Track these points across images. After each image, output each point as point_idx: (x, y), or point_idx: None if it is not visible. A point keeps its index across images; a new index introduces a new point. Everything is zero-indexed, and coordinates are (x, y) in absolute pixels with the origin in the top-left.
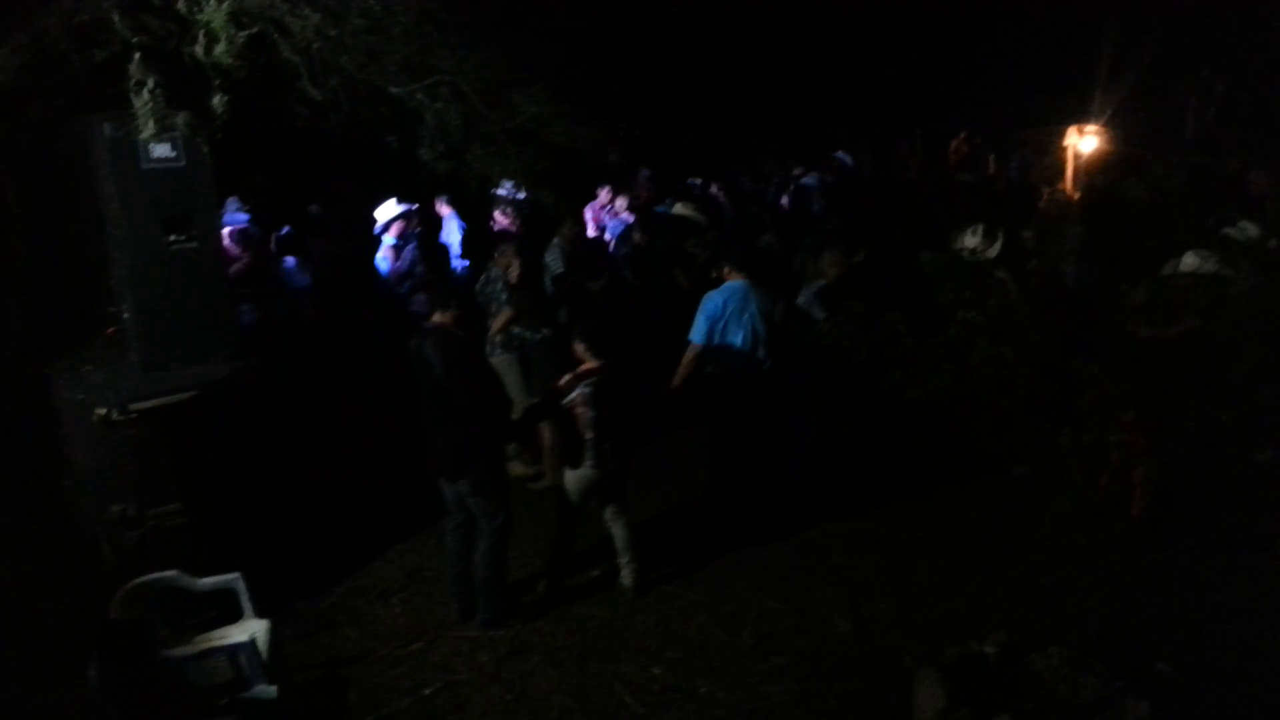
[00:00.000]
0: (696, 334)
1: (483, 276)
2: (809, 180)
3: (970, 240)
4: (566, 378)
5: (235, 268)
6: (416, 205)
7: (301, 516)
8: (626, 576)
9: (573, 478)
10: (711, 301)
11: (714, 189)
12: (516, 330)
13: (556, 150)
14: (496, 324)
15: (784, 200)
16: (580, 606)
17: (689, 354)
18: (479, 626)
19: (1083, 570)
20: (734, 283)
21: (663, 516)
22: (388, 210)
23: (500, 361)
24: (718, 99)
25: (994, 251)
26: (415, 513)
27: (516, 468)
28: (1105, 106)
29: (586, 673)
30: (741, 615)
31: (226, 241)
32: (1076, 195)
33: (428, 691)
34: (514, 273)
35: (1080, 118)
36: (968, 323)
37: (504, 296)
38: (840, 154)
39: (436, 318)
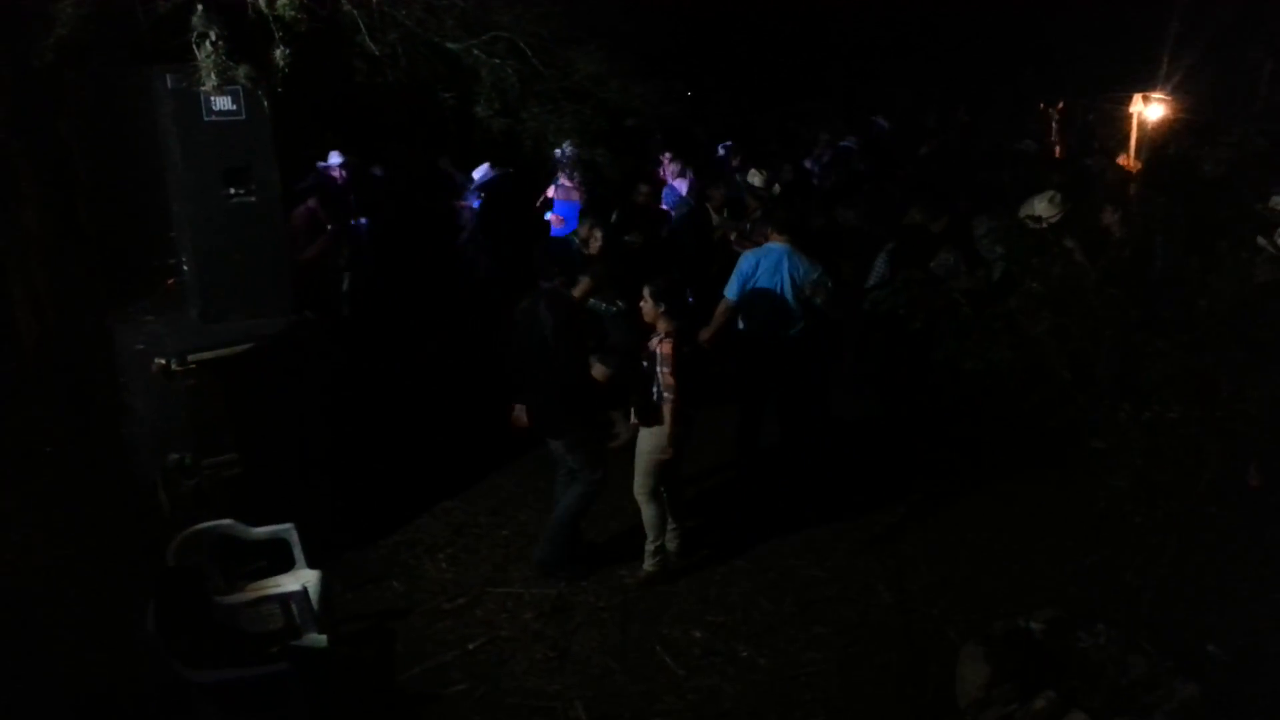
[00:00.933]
0: (730, 290)
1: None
2: (847, 143)
3: (1040, 207)
4: (656, 340)
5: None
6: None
7: (352, 470)
8: (672, 541)
9: (659, 434)
10: (746, 261)
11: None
12: (592, 302)
13: (612, 109)
14: (576, 292)
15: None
16: (623, 569)
17: (720, 308)
18: (535, 564)
19: (1137, 549)
20: (773, 244)
21: (707, 481)
22: (481, 172)
23: None
24: (775, 58)
25: (1055, 218)
26: (463, 469)
27: None
28: (1173, 73)
29: (628, 634)
30: (784, 583)
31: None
32: (1138, 165)
33: (472, 646)
34: (595, 244)
35: (1147, 84)
36: (1029, 293)
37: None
38: (877, 118)
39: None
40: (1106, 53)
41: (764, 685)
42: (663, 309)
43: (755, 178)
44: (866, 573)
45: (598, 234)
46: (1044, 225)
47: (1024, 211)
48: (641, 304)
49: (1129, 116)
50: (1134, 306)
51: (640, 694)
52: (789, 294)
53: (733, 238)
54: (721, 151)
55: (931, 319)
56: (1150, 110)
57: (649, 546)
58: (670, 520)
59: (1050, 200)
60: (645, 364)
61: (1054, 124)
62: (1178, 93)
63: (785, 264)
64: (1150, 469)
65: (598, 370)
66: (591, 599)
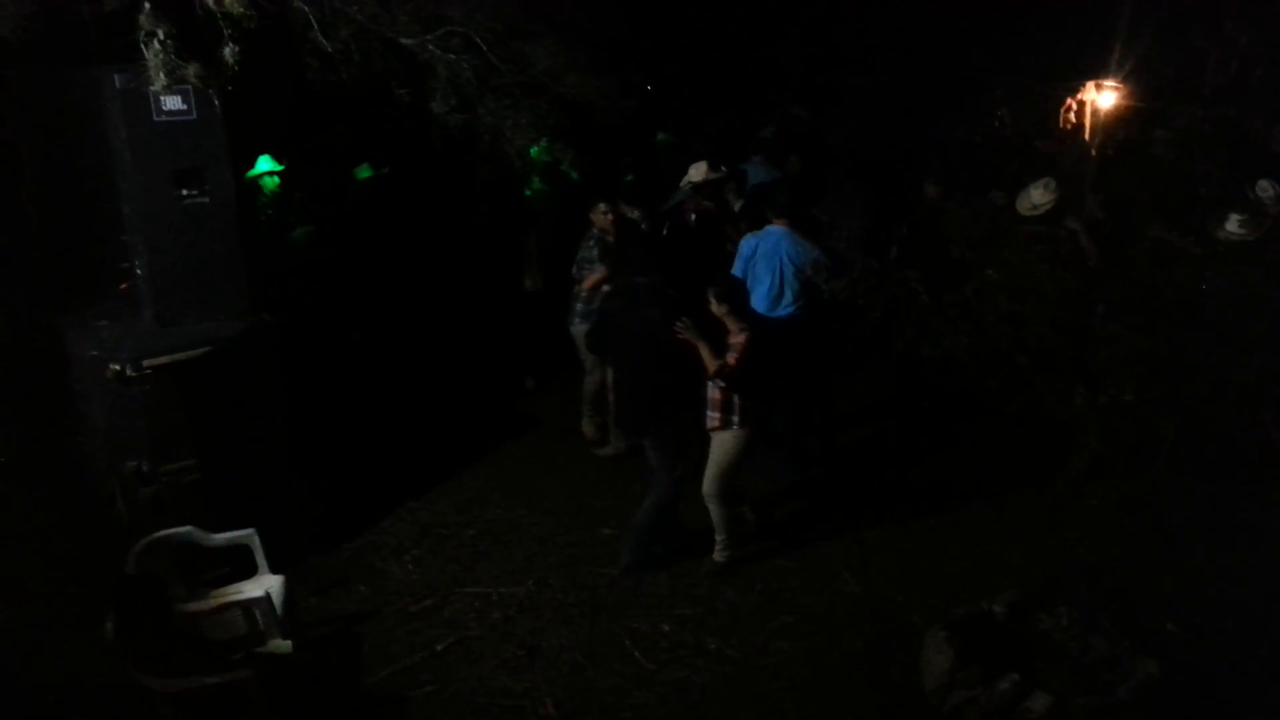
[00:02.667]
0: (734, 272)
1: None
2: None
3: (1035, 195)
4: (736, 340)
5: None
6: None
7: (314, 473)
8: (719, 553)
9: (733, 439)
10: (746, 243)
11: None
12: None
13: (569, 103)
14: (587, 283)
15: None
16: (591, 565)
17: None
18: (623, 569)
19: (1094, 530)
20: (772, 227)
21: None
22: None
23: (580, 331)
24: (732, 49)
25: (1050, 204)
26: (428, 469)
27: (588, 427)
28: (1124, 61)
29: (597, 629)
30: (751, 573)
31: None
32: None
33: (440, 647)
34: (612, 235)
35: (1099, 73)
36: (985, 280)
37: (595, 253)
38: (794, 107)
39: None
40: (1059, 40)
41: (733, 676)
42: (726, 309)
43: (696, 172)
44: (831, 561)
45: (605, 210)
46: (1041, 212)
47: (1022, 202)
48: (709, 307)
49: (1082, 104)
50: (1088, 291)
51: (610, 689)
52: (788, 275)
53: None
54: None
55: (890, 308)
56: (1103, 97)
57: (719, 538)
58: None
59: (1045, 187)
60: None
61: (1003, 111)
62: (1129, 80)
63: (783, 246)
64: (1106, 451)
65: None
66: (560, 596)
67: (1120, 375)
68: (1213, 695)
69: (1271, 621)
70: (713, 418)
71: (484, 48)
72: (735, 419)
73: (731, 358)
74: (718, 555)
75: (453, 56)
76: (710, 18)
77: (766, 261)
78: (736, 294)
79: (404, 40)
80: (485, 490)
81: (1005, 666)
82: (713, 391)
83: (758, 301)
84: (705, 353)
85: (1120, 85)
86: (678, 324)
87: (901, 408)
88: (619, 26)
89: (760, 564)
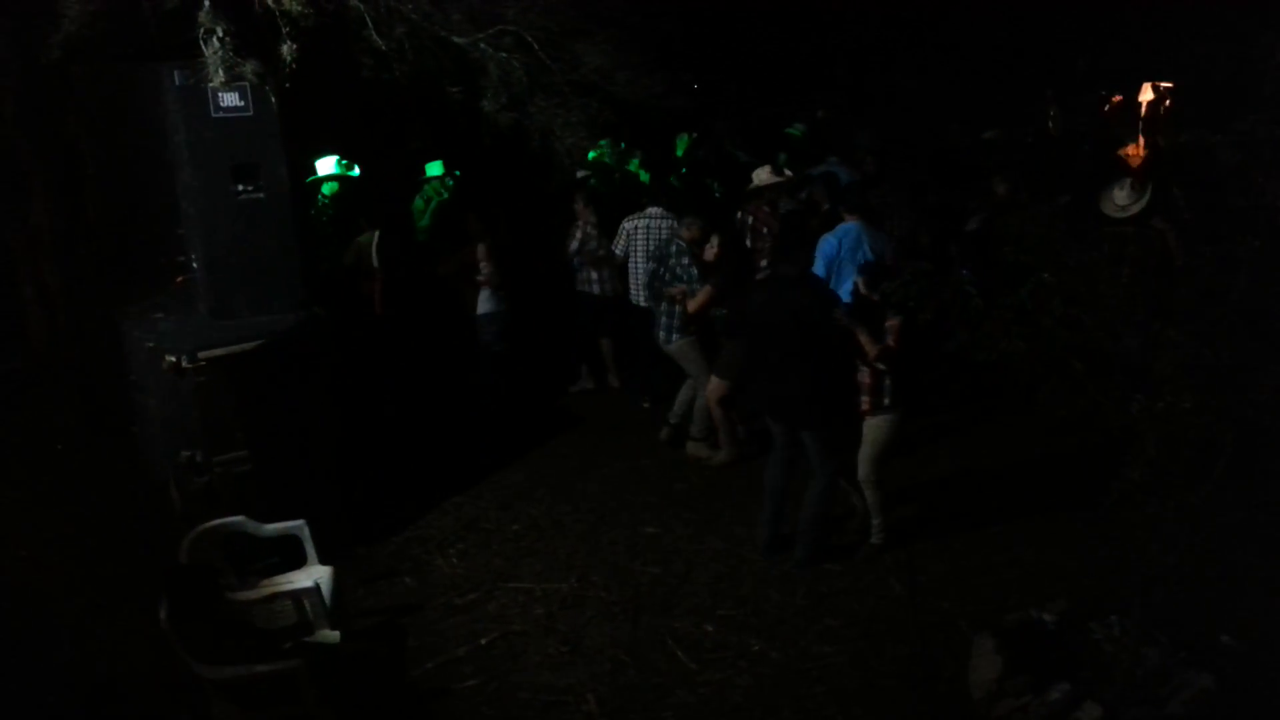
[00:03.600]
0: (817, 271)
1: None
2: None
3: (1121, 197)
4: (891, 324)
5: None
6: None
7: (363, 466)
8: (876, 536)
9: (885, 423)
10: (827, 243)
11: None
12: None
13: (620, 102)
14: (695, 304)
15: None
16: (634, 562)
17: None
18: (795, 565)
19: (1150, 540)
20: (847, 224)
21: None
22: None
23: (683, 345)
24: (783, 50)
25: (1141, 205)
26: (473, 464)
27: (700, 449)
28: (1183, 61)
29: (639, 627)
30: (796, 576)
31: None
32: (1144, 152)
33: (484, 641)
34: (712, 250)
35: (1156, 73)
36: (1041, 283)
37: (694, 273)
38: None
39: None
40: (1115, 41)
41: (776, 678)
42: (878, 297)
43: (759, 177)
44: (877, 564)
45: (715, 238)
46: (1129, 214)
47: (1106, 204)
48: (861, 293)
49: (1138, 105)
50: (1149, 297)
51: (652, 687)
52: None
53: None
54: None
55: (942, 310)
56: (1160, 99)
57: (875, 522)
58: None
59: (1130, 188)
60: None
61: (1054, 111)
62: (1188, 81)
63: (865, 239)
64: (1163, 459)
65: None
66: (603, 593)
67: (1179, 383)
68: (1268, 710)
69: None
70: (865, 402)
71: (535, 46)
72: (887, 402)
73: (891, 340)
74: (875, 538)
75: (504, 55)
76: (760, 18)
77: (852, 256)
78: (882, 280)
79: (456, 39)
80: (528, 486)
81: (1055, 676)
82: (864, 376)
83: (850, 296)
84: (865, 338)
85: (1176, 85)
86: (836, 311)
87: (952, 412)
88: (670, 25)
89: (806, 566)
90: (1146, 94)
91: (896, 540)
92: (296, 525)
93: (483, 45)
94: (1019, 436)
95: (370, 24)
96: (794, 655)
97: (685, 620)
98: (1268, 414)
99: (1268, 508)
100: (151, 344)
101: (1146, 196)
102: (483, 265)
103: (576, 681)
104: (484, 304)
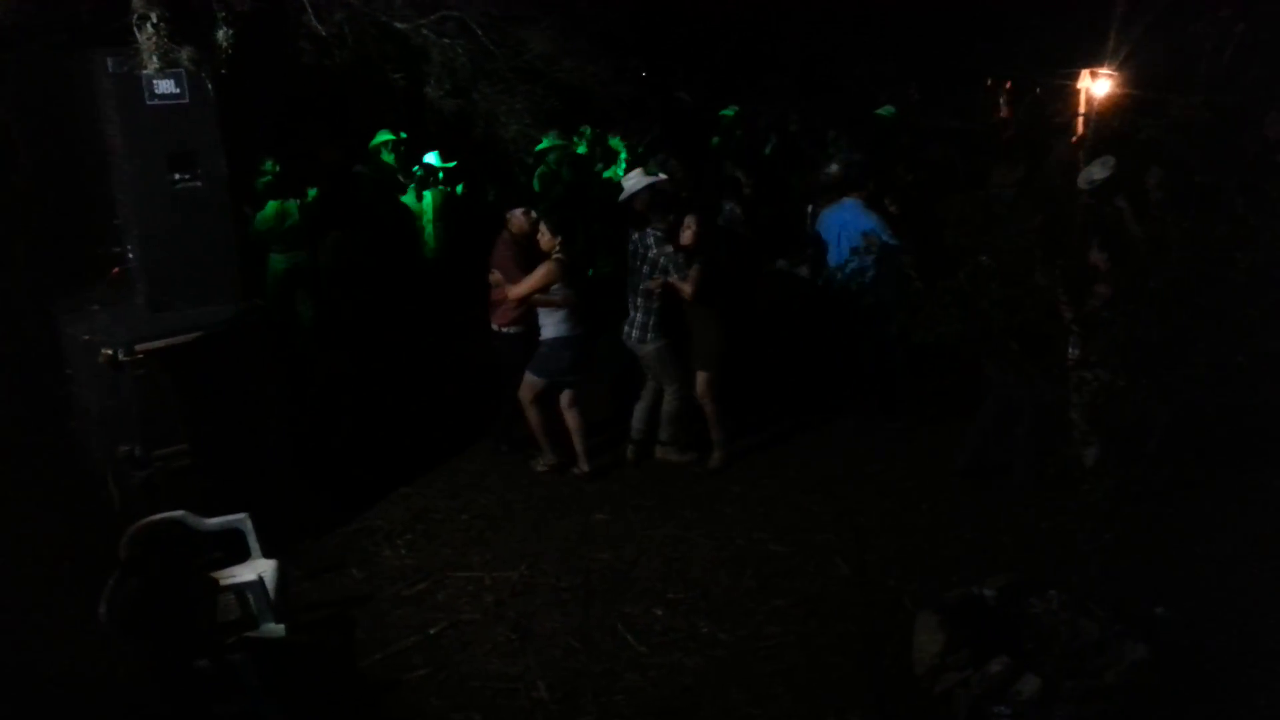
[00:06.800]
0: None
1: (634, 237)
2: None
3: (1095, 171)
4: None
5: None
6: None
7: (307, 457)
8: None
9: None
10: (828, 218)
11: None
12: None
13: (565, 88)
14: (689, 288)
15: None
16: (584, 549)
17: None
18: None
19: (1085, 514)
20: (848, 200)
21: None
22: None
23: (660, 349)
24: (731, 35)
25: (1104, 177)
26: (421, 454)
27: (670, 454)
28: (1119, 49)
29: (590, 613)
30: (744, 557)
31: None
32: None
33: (434, 631)
34: (688, 234)
35: (1094, 61)
36: (978, 265)
37: (680, 260)
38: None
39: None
40: (1055, 29)
41: (725, 660)
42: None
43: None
44: (825, 545)
45: (692, 222)
46: (1094, 187)
47: (1083, 178)
48: None
49: (1077, 92)
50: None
51: (602, 673)
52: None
53: None
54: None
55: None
56: (1097, 86)
57: None
58: None
59: (1103, 163)
60: None
61: (1002, 100)
62: (1124, 68)
63: (860, 217)
64: (1098, 437)
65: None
66: (553, 580)
67: (1112, 360)
68: (1201, 679)
69: (1262, 607)
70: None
71: (479, 32)
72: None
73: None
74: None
75: (447, 40)
76: (707, 4)
77: (848, 231)
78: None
79: (398, 24)
80: (479, 475)
81: (996, 649)
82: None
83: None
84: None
85: (1115, 73)
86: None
87: (894, 394)
88: (616, 12)
89: (754, 549)
90: (1085, 80)
91: (845, 522)
92: (239, 519)
93: (425, 31)
94: (959, 416)
95: (309, 9)
96: (742, 636)
97: (635, 605)
98: (1202, 390)
99: (1203, 484)
100: (87, 337)
101: (1110, 171)
102: (555, 286)
103: (526, 669)
104: (554, 327)
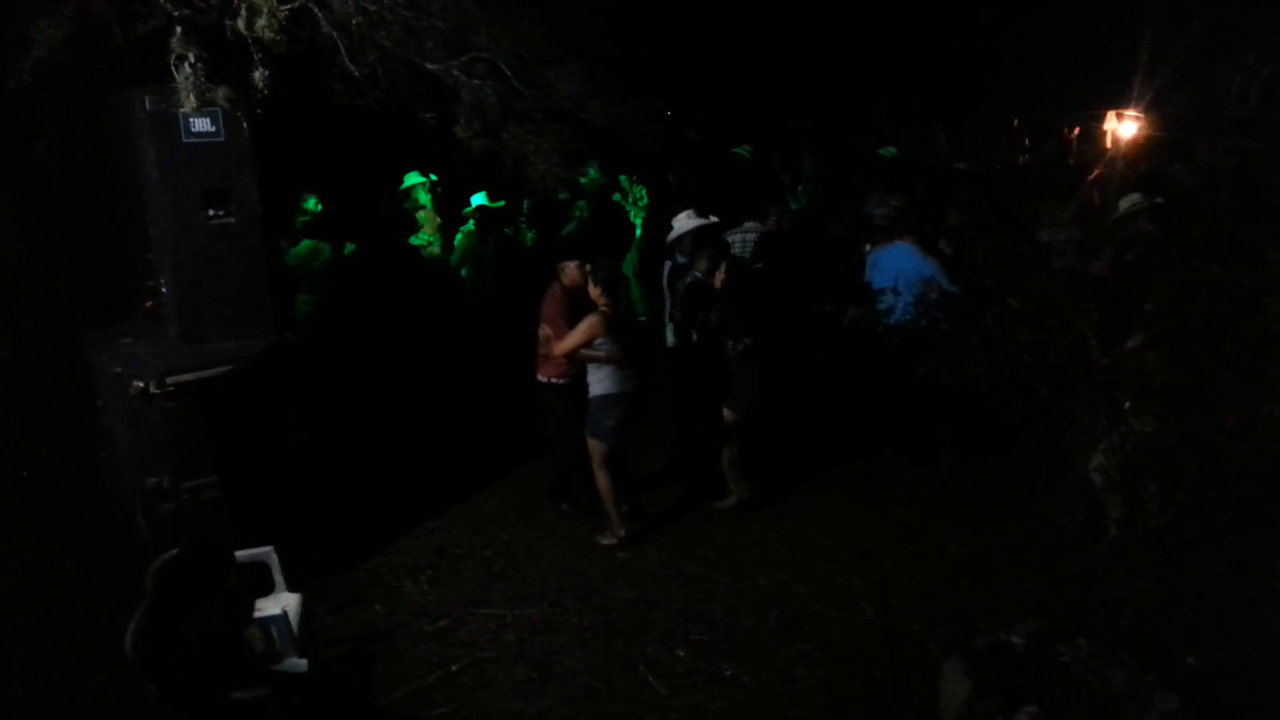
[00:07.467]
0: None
1: (667, 270)
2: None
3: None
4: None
5: None
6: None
7: (333, 492)
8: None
9: None
10: (885, 260)
11: None
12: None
13: (593, 129)
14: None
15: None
16: (606, 588)
17: None
18: None
19: (1115, 562)
20: (901, 244)
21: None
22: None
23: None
24: (752, 77)
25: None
26: (444, 490)
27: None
28: (1145, 91)
29: (611, 653)
30: (768, 599)
31: None
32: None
33: (455, 668)
34: (719, 276)
35: (1120, 103)
36: (1007, 309)
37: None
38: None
39: None
40: (1081, 70)
41: (748, 703)
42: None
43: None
44: (850, 588)
45: (722, 265)
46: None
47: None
48: None
49: (1103, 133)
50: (1108, 321)
51: (623, 714)
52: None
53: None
54: None
55: (911, 335)
56: (1123, 128)
57: None
58: None
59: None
60: None
61: (1026, 141)
62: (1150, 110)
63: (916, 260)
64: (1128, 482)
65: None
66: (575, 619)
67: (1141, 407)
68: None
69: None
70: None
71: (508, 73)
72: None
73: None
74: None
75: (477, 82)
76: (729, 47)
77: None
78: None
79: (429, 65)
80: (501, 512)
81: (1024, 698)
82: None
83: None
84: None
85: (1141, 114)
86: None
87: (919, 436)
88: (642, 53)
89: (777, 590)
90: (1111, 122)
91: (869, 564)
92: (265, 552)
93: (455, 72)
94: (986, 461)
95: (343, 50)
96: (766, 680)
97: (657, 645)
98: (1230, 437)
99: (1232, 532)
100: (119, 369)
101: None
102: (599, 340)
103: (547, 708)
104: (600, 384)
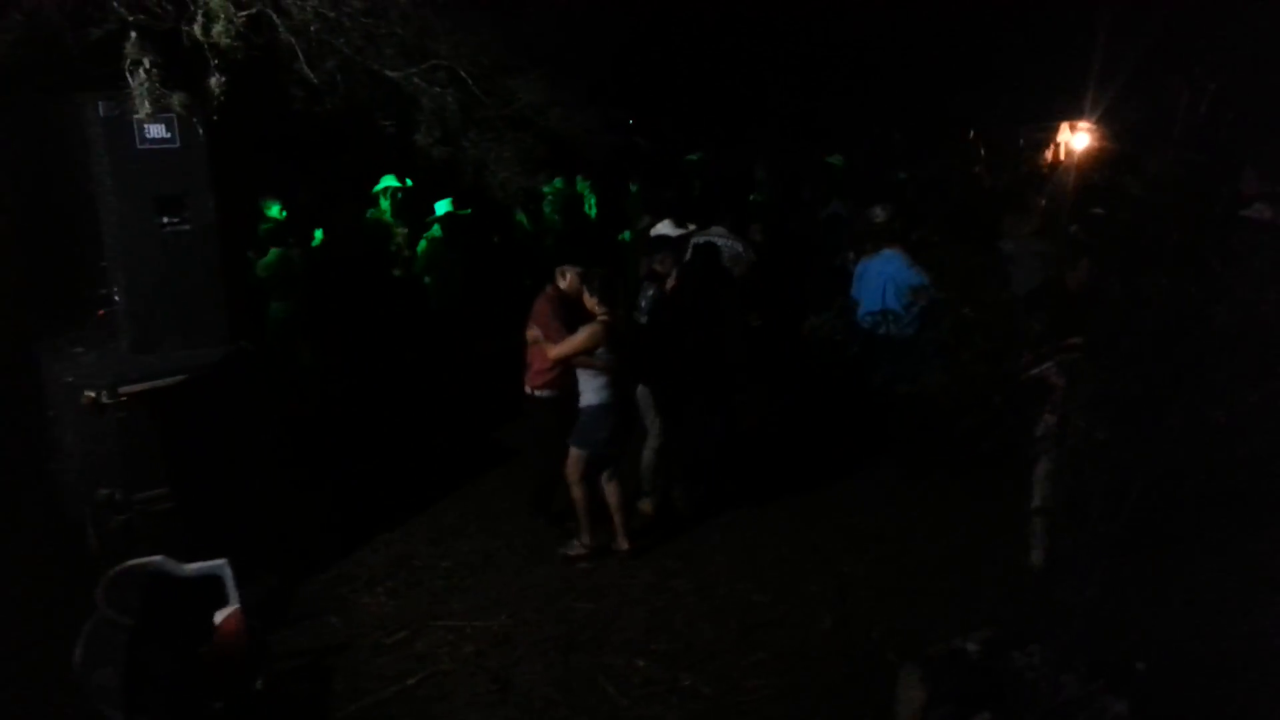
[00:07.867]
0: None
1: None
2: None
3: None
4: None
5: None
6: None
7: (288, 503)
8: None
9: None
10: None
11: None
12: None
13: (553, 137)
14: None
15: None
16: (566, 598)
17: None
18: None
19: (1068, 569)
20: (889, 251)
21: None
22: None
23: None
24: (713, 86)
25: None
26: (403, 500)
27: (646, 506)
28: (1098, 103)
29: (571, 664)
30: (728, 608)
31: None
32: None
33: (412, 681)
34: (671, 282)
35: (1073, 114)
36: (961, 318)
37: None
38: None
39: None
40: (1036, 81)
41: (706, 713)
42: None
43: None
44: (809, 596)
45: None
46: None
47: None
48: None
49: (1056, 145)
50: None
51: None
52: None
53: None
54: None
55: (867, 344)
56: (1076, 139)
57: None
58: None
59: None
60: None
61: (981, 151)
62: (1102, 121)
63: (904, 267)
64: (1080, 491)
65: None
66: (534, 630)
67: (1092, 415)
68: None
69: (1239, 663)
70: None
71: (469, 81)
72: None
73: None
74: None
75: (438, 90)
76: (693, 55)
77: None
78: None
79: (389, 72)
80: (460, 522)
81: (978, 704)
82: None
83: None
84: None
85: (1094, 126)
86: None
87: (877, 444)
88: (603, 62)
89: (737, 599)
90: (1064, 133)
91: (828, 573)
92: (218, 565)
93: (415, 79)
94: (942, 469)
95: (301, 57)
96: (724, 689)
97: (617, 656)
98: (1182, 445)
99: (1179, 540)
100: (70, 379)
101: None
102: (599, 350)
103: None
104: (595, 394)
